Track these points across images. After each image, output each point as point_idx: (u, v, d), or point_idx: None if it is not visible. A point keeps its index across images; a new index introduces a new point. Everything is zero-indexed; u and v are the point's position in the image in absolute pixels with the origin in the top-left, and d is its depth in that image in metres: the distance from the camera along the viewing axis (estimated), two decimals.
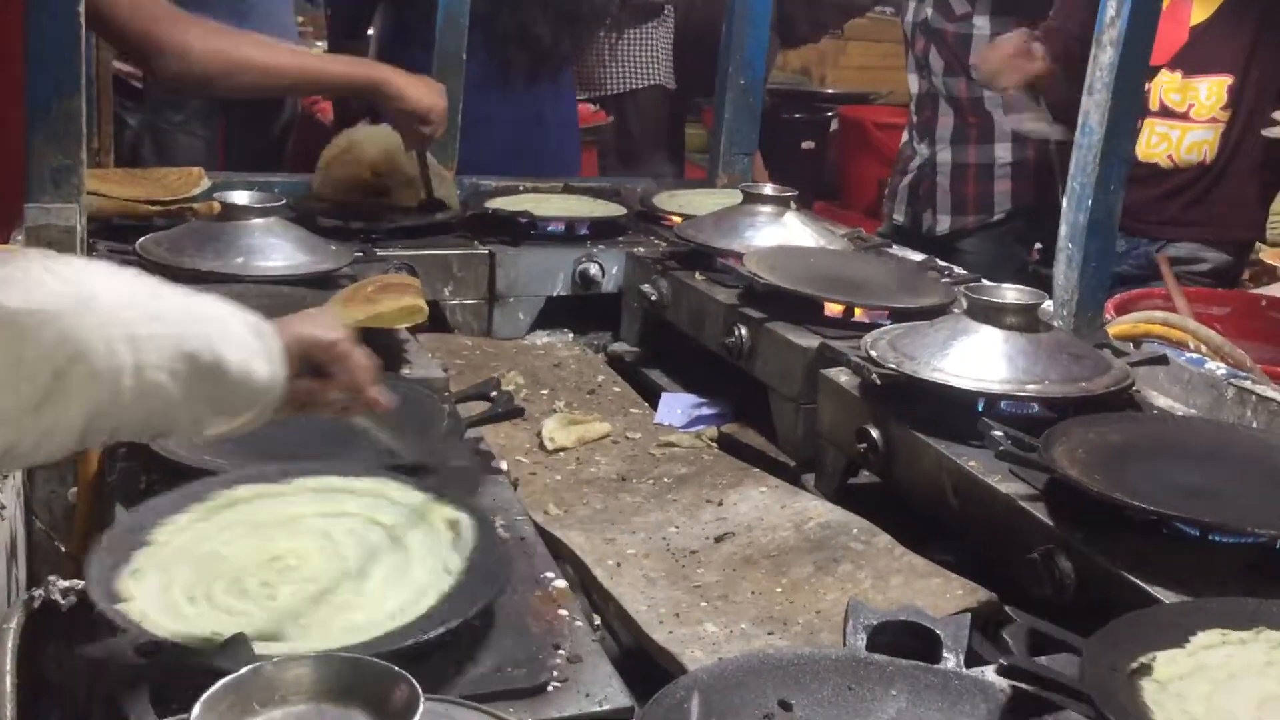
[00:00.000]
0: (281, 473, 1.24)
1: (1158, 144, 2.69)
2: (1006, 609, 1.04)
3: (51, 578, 1.14)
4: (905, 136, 3.24)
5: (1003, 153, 3.01)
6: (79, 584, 1.11)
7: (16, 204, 2.14)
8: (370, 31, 3.28)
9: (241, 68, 2.12)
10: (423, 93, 2.27)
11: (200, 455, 1.32)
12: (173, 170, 2.45)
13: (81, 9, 1.42)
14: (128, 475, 1.34)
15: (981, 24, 2.97)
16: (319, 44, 4.65)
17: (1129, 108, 1.82)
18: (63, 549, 1.36)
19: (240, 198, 2.04)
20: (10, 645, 1.11)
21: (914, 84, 3.16)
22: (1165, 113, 2.68)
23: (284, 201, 2.12)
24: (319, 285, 1.89)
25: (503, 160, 2.83)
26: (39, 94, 1.41)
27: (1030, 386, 1.54)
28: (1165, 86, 2.68)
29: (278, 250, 1.97)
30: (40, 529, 1.39)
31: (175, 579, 1.07)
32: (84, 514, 1.38)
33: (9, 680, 1.10)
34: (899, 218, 3.15)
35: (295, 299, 1.81)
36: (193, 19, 2.06)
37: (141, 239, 1.99)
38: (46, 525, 1.41)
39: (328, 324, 1.12)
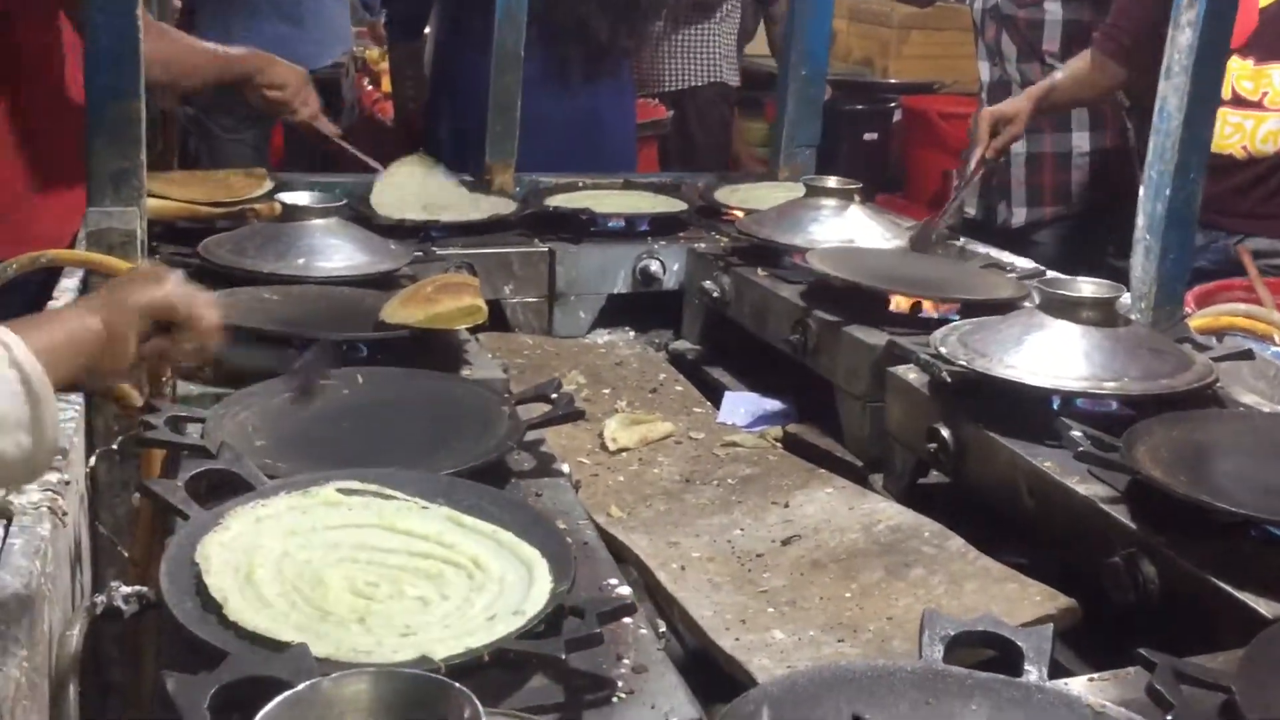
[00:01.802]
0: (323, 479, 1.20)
1: (1231, 134, 2.57)
2: (1144, 653, 0.99)
3: (114, 583, 1.13)
4: (973, 126, 3.16)
5: (1080, 141, 2.91)
6: (142, 589, 1.11)
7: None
8: (427, 31, 3.28)
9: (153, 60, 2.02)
10: (281, 70, 2.39)
11: (262, 460, 1.31)
12: (235, 172, 2.46)
13: (140, 12, 1.41)
14: (192, 481, 1.34)
15: (1054, 9, 2.87)
16: (379, 49, 4.67)
17: (1208, 92, 1.76)
18: (126, 554, 1.36)
19: (301, 199, 2.04)
20: (73, 651, 1.10)
21: (985, 72, 3.06)
22: (1238, 102, 2.55)
23: (344, 202, 2.11)
24: (379, 286, 1.88)
25: (558, 160, 2.80)
26: (98, 98, 1.41)
27: (1109, 384, 1.48)
28: (1237, 74, 2.56)
29: (338, 251, 1.96)
30: (104, 534, 1.39)
31: (255, 569, 1.06)
32: (147, 519, 1.38)
33: (72, 687, 1.10)
34: (970, 210, 3.06)
35: (355, 299, 1.81)
36: None
37: (204, 241, 2.00)
38: (110, 530, 1.41)
39: (161, 279, 1.18)
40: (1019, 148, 2.94)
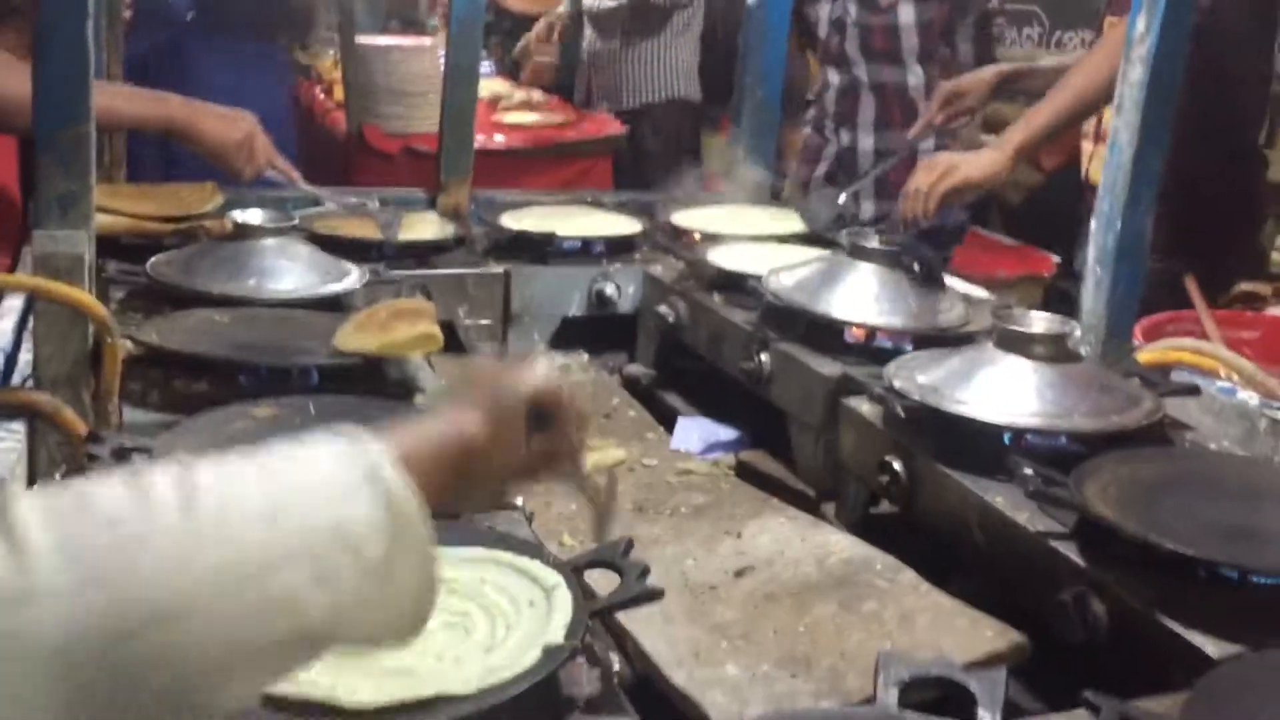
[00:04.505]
0: None
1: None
2: (1089, 696, 1.00)
3: None
4: (808, 130, 3.31)
5: (928, 142, 3.00)
6: None
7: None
8: None
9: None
10: (209, 129, 2.23)
11: None
12: (184, 186, 2.43)
13: (90, 33, 1.39)
14: None
15: (906, 13, 3.06)
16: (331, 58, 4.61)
17: (1158, 126, 1.78)
18: None
19: (253, 217, 2.02)
20: None
21: (834, 76, 3.21)
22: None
23: (296, 221, 2.09)
24: (332, 308, 1.86)
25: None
26: (47, 119, 1.38)
27: (1059, 420, 1.50)
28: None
29: (290, 272, 1.94)
30: None
31: None
32: None
33: None
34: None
35: (307, 323, 1.79)
36: None
37: (152, 259, 1.97)
38: None
39: (532, 364, 0.96)
40: (867, 144, 3.06)
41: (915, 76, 3.11)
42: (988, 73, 2.78)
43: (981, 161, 2.38)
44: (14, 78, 1.66)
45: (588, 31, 4.51)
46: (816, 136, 3.28)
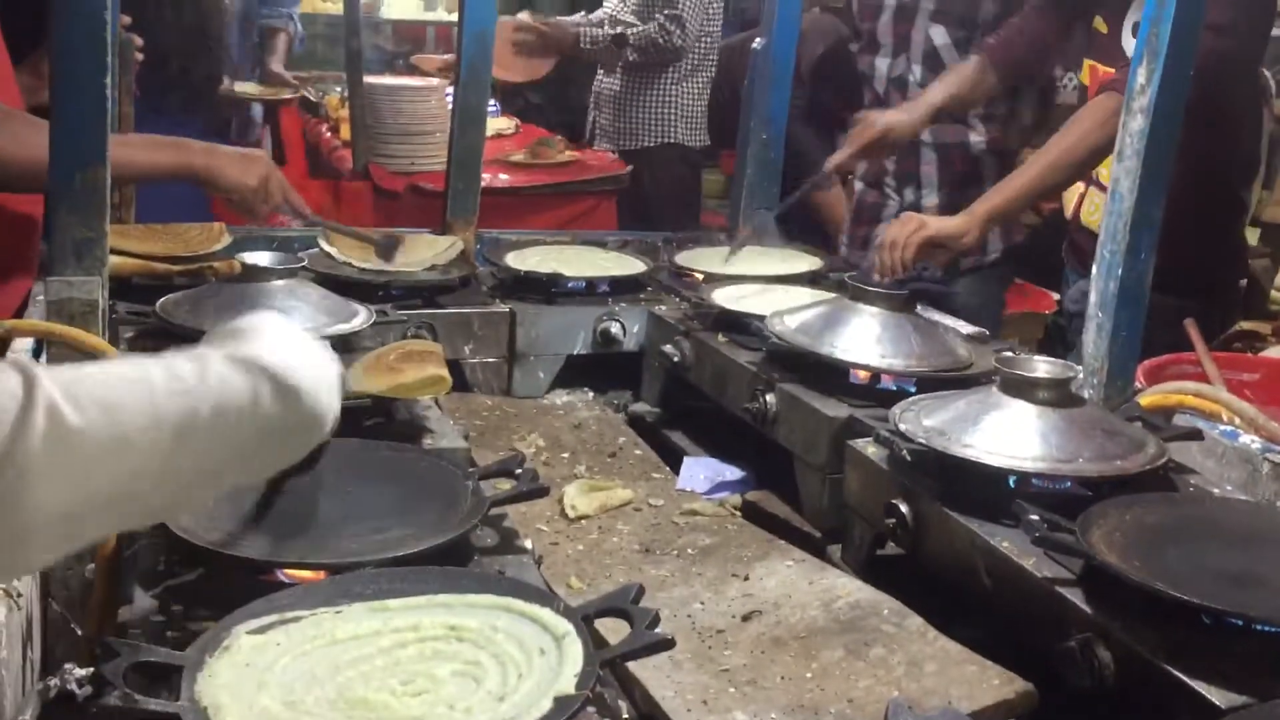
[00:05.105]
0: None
1: (1094, 212, 2.66)
2: None
3: (67, 665, 1.11)
4: (860, 186, 3.27)
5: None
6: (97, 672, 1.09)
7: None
8: None
9: (9, 162, 1.83)
10: (229, 175, 2.26)
11: (222, 535, 1.29)
12: (193, 226, 2.45)
13: (108, 81, 1.41)
14: (146, 553, 1.32)
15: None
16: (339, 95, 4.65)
17: (1159, 175, 1.80)
18: (79, 631, 1.33)
19: (261, 258, 2.03)
20: None
21: None
22: (1101, 186, 2.66)
23: (304, 262, 2.10)
24: (340, 349, 1.86)
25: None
26: (63, 166, 1.40)
27: (1064, 465, 1.51)
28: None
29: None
30: (56, 610, 1.36)
31: (265, 685, 1.04)
32: (100, 592, 1.35)
33: None
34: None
35: None
36: None
37: (161, 300, 1.98)
38: (63, 605, 1.38)
39: None
40: (931, 201, 3.05)
41: (978, 134, 3.07)
42: (921, 120, 2.78)
43: (951, 222, 2.45)
44: (27, 138, 1.68)
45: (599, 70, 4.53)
46: (873, 193, 3.21)
